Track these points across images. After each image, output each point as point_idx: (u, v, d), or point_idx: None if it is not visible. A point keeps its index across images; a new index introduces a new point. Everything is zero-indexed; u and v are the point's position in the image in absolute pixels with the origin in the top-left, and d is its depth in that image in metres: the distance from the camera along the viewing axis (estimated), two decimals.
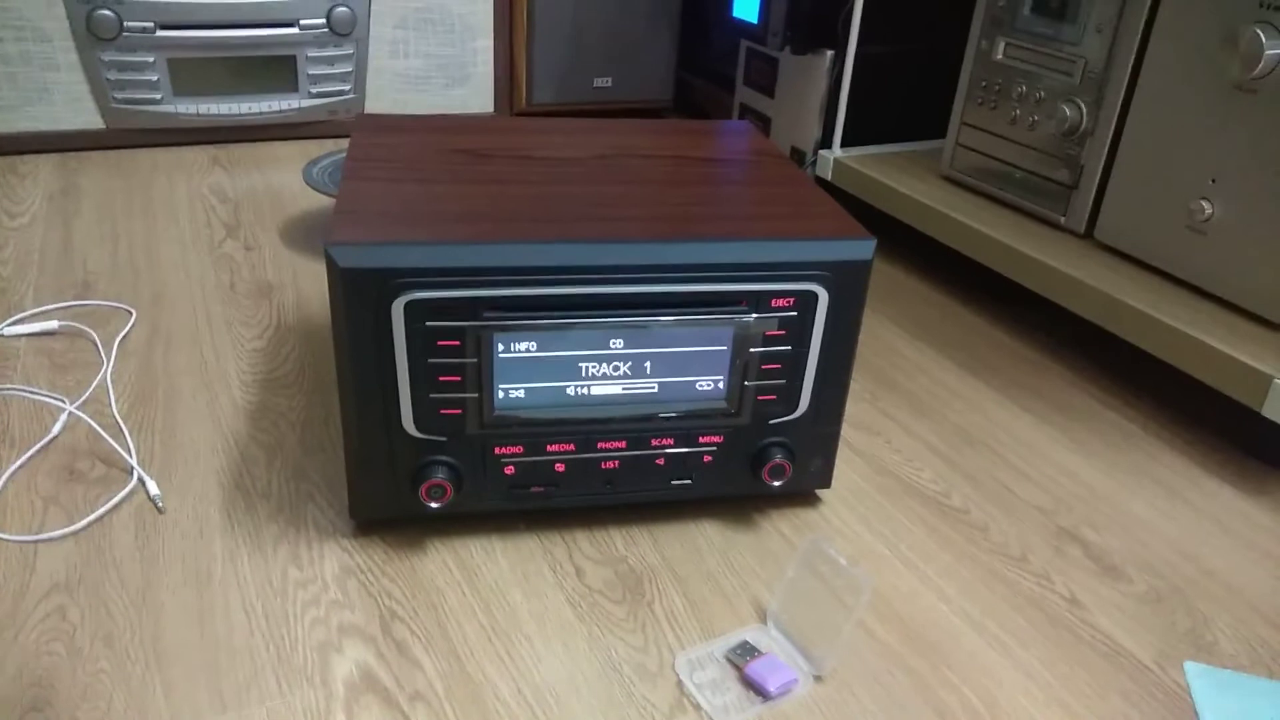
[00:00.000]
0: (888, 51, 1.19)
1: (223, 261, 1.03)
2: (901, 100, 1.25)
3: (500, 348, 0.58)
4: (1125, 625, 0.63)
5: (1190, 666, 0.59)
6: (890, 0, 1.17)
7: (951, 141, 1.09)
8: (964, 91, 1.07)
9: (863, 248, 0.62)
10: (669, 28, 1.52)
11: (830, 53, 1.17)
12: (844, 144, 1.18)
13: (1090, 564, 0.68)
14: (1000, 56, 1.02)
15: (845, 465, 0.77)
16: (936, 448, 0.80)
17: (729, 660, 0.57)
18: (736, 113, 1.37)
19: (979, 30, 1.04)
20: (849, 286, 0.62)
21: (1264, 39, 0.77)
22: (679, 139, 0.78)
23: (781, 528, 0.69)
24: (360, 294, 0.56)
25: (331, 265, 0.55)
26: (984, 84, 1.04)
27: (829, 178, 1.18)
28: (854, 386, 0.88)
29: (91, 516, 0.65)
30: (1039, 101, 0.98)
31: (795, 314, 0.62)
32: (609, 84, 1.54)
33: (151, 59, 1.28)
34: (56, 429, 0.73)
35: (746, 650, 0.57)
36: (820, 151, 1.19)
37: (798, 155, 1.25)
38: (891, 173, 1.13)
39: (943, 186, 1.10)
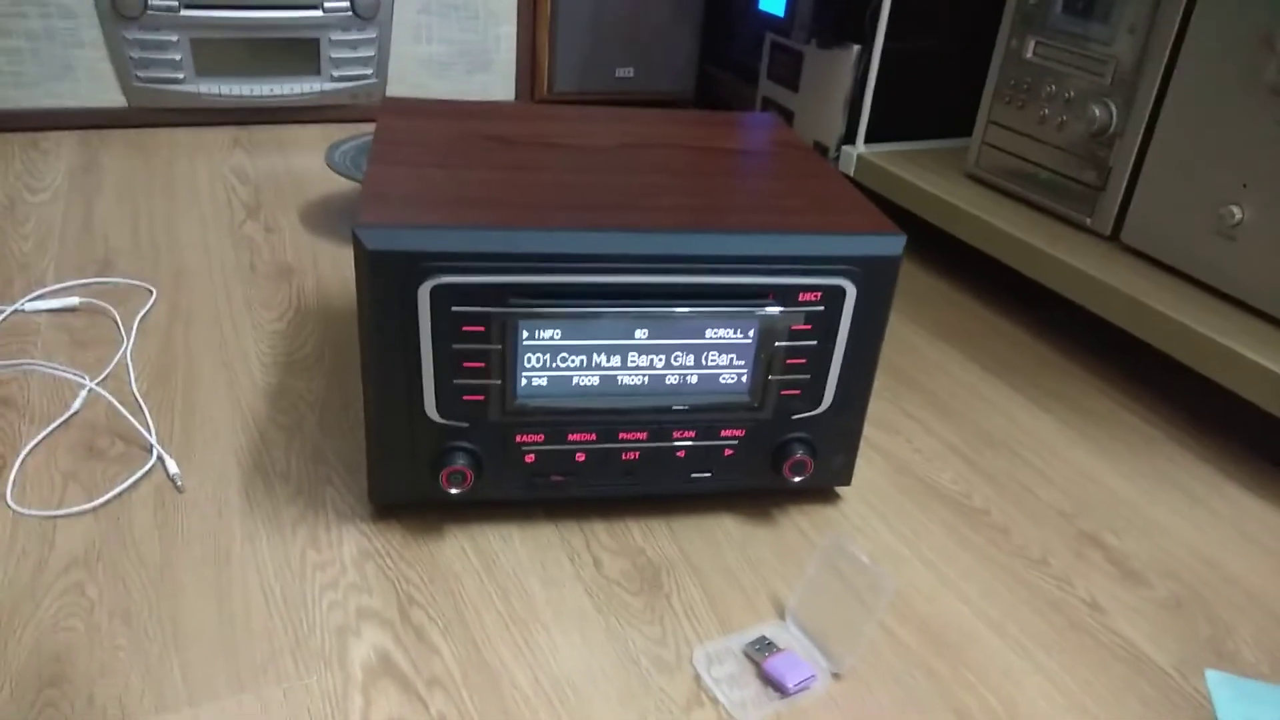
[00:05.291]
0: (915, 47, 1.19)
1: (243, 243, 1.02)
2: (927, 97, 1.24)
3: (525, 335, 0.58)
4: (1146, 631, 0.62)
5: (1212, 675, 0.59)
6: None
7: (978, 140, 1.08)
8: (992, 90, 1.06)
9: (893, 243, 0.61)
10: (692, 19, 1.51)
11: (857, 47, 1.16)
12: (868, 140, 1.17)
13: (1111, 568, 0.67)
14: (1030, 55, 1.01)
15: (865, 463, 0.76)
16: (957, 448, 0.79)
17: (747, 655, 0.56)
18: (759, 106, 1.37)
19: (1009, 28, 1.03)
20: (877, 283, 0.62)
21: None
22: (704, 130, 0.78)
23: (800, 524, 0.69)
24: (387, 277, 0.56)
25: (359, 247, 0.55)
26: (1012, 83, 1.03)
27: (851, 173, 1.17)
28: (875, 384, 0.87)
29: (111, 494, 0.65)
30: (1068, 101, 0.97)
31: (822, 309, 0.61)
32: (631, 74, 1.53)
33: (175, 38, 1.28)
34: (76, 405, 0.73)
35: (765, 646, 0.56)
36: (844, 147, 1.18)
37: (821, 150, 1.24)
38: (915, 170, 1.12)
39: (967, 185, 1.09)
